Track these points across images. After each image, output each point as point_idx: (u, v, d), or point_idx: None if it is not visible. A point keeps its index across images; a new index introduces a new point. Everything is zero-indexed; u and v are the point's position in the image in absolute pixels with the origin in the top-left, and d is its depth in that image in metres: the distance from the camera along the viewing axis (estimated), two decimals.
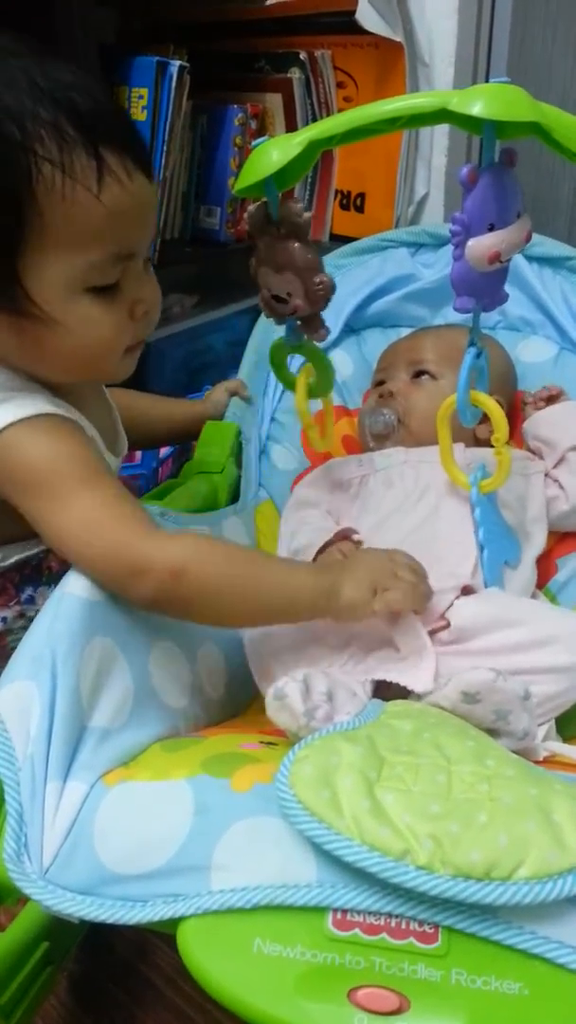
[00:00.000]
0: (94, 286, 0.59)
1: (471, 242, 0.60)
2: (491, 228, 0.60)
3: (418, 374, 0.91)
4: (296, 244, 0.69)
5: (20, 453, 0.59)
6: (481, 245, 0.60)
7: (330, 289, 0.73)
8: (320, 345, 1.01)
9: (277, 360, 0.85)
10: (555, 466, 0.88)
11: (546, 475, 0.88)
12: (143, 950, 0.75)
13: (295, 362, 0.90)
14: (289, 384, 0.88)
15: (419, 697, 0.63)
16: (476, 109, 0.56)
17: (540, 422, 0.90)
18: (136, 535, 0.58)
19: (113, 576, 0.57)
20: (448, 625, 0.68)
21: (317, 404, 0.91)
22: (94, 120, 0.55)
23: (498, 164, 0.60)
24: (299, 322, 0.79)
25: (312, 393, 0.86)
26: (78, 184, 0.55)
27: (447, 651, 0.66)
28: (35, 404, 0.60)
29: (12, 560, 0.69)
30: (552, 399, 0.93)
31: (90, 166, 0.55)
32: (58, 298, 0.58)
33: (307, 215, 0.67)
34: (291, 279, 0.72)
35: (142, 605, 0.59)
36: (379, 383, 0.95)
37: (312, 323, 0.76)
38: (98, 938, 0.76)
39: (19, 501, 0.60)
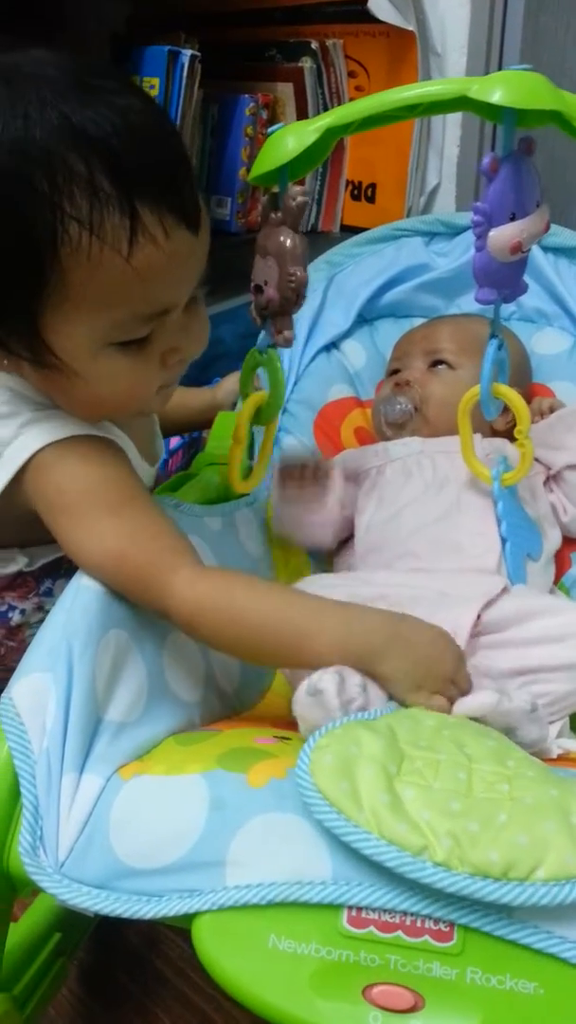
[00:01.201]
0: (120, 341, 0.55)
1: (493, 232, 0.59)
2: (512, 217, 0.59)
3: (435, 363, 0.90)
4: (287, 230, 0.66)
5: (52, 475, 0.59)
6: (503, 235, 0.59)
7: (301, 284, 0.67)
8: (331, 335, 1.01)
9: (246, 370, 0.76)
10: (554, 478, 0.87)
11: (545, 482, 0.88)
12: (154, 941, 0.75)
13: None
14: (247, 396, 0.78)
15: None
16: (496, 97, 0.55)
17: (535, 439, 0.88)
18: (160, 571, 0.57)
19: (146, 600, 0.57)
20: (479, 618, 0.67)
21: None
22: (134, 172, 0.50)
23: (518, 153, 0.60)
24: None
25: (264, 417, 0.76)
26: (106, 246, 0.50)
27: (471, 645, 0.66)
28: (66, 427, 0.59)
29: (39, 564, 0.69)
30: (552, 409, 0.91)
31: (122, 226, 0.50)
32: (81, 353, 0.55)
33: (300, 200, 0.64)
34: (271, 266, 0.67)
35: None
36: (394, 371, 0.94)
37: (279, 321, 0.70)
38: (109, 929, 0.76)
39: (49, 522, 0.60)
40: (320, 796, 0.43)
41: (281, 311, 0.69)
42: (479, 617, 0.67)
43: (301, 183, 0.69)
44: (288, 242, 0.65)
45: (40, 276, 0.51)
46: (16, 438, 0.59)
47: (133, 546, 0.57)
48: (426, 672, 0.57)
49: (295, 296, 0.67)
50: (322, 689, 0.53)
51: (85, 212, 0.50)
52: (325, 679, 0.53)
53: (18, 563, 0.68)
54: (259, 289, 0.69)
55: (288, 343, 0.70)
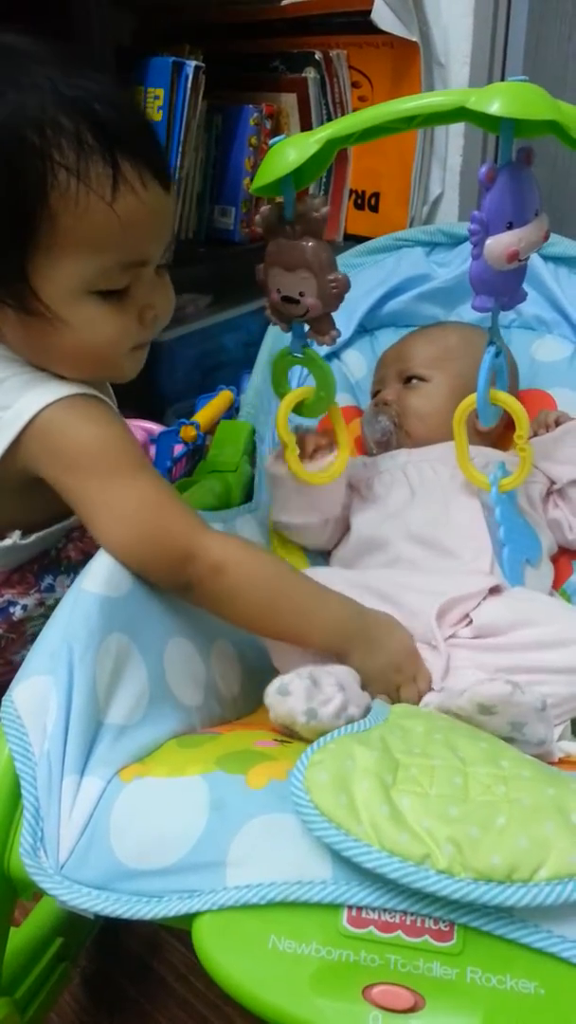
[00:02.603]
0: (101, 290, 0.59)
1: (490, 240, 0.60)
2: (509, 226, 0.60)
3: (409, 379, 0.91)
4: (311, 241, 0.69)
5: (67, 432, 0.60)
6: (500, 243, 0.60)
7: (345, 287, 0.72)
8: (334, 345, 1.01)
9: (278, 372, 0.80)
10: (559, 493, 0.88)
11: (548, 494, 0.88)
12: (155, 947, 0.75)
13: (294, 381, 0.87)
14: (283, 396, 0.80)
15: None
16: (494, 107, 0.56)
17: (540, 451, 0.89)
18: (188, 524, 0.61)
19: (156, 558, 0.59)
20: (470, 622, 0.68)
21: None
22: (114, 129, 0.56)
23: (516, 162, 0.60)
24: (308, 325, 0.76)
25: (310, 411, 0.80)
26: (92, 192, 0.55)
27: (466, 644, 0.66)
28: (65, 386, 0.61)
29: (33, 537, 0.69)
30: (558, 422, 0.91)
31: (106, 174, 0.55)
32: (65, 299, 0.58)
33: (324, 210, 0.66)
34: (304, 277, 0.71)
35: (177, 590, 0.61)
36: (376, 392, 0.96)
37: (323, 324, 0.75)
38: (111, 935, 0.76)
39: (66, 479, 0.61)
40: (317, 813, 0.43)
41: (323, 314, 0.73)
42: (470, 619, 0.67)
43: (304, 193, 0.71)
44: (323, 253, 0.69)
45: (30, 221, 0.55)
46: (15, 402, 0.60)
47: (164, 498, 0.61)
48: (397, 664, 0.65)
49: (338, 300, 0.71)
50: (291, 692, 0.54)
51: (72, 160, 0.55)
52: (295, 683, 0.54)
53: (12, 537, 0.69)
54: (292, 300, 0.71)
55: (335, 341, 0.75)
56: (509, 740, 0.56)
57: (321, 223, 0.68)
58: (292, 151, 0.63)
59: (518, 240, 0.60)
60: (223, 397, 1.19)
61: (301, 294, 0.72)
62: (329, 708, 0.54)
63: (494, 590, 0.72)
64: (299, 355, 0.77)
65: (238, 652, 0.70)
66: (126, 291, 0.60)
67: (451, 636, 0.69)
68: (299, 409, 0.79)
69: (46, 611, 0.63)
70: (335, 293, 0.71)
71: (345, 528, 0.88)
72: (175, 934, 0.75)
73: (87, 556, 0.59)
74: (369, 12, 1.18)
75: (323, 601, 0.65)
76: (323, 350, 1.01)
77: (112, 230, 0.57)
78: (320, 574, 0.70)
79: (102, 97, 0.56)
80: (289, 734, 0.56)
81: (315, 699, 0.54)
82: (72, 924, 0.66)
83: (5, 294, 0.58)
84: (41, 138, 0.54)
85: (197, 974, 0.72)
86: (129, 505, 0.60)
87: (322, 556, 0.91)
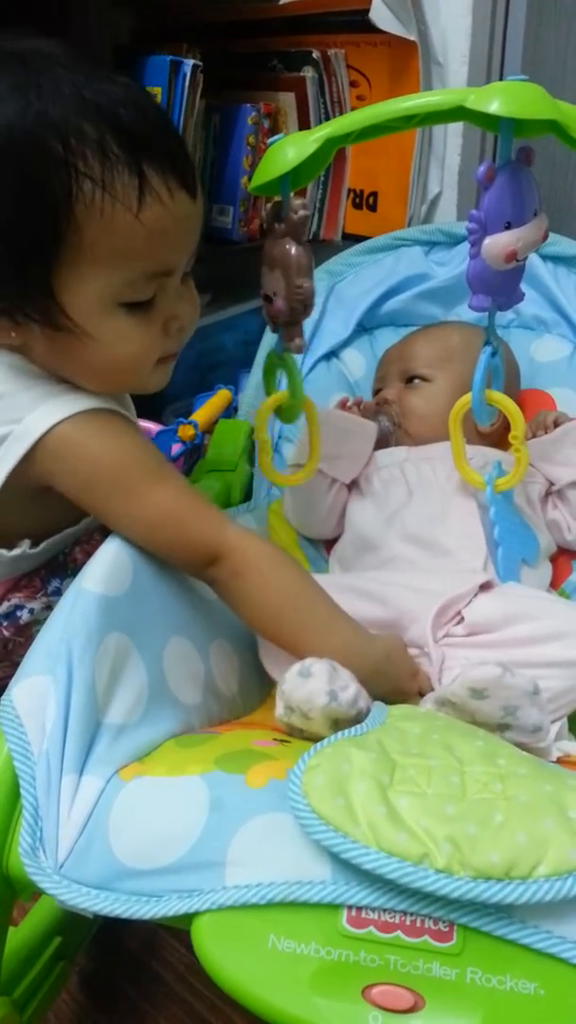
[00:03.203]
0: (128, 301, 0.58)
1: (488, 240, 0.60)
2: (508, 226, 0.60)
3: (411, 379, 0.91)
4: (292, 243, 0.68)
5: (81, 449, 0.60)
6: (498, 243, 0.60)
7: (309, 295, 0.70)
8: (330, 344, 1.02)
9: (267, 371, 0.80)
10: (558, 494, 0.88)
11: (547, 495, 0.88)
12: (154, 947, 0.75)
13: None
14: (271, 395, 0.81)
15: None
16: (493, 107, 0.56)
17: (539, 453, 0.89)
18: (211, 527, 0.62)
19: (182, 562, 0.62)
20: (462, 620, 0.68)
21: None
22: (139, 137, 0.55)
23: (515, 162, 0.60)
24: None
25: (287, 415, 0.81)
26: (118, 203, 0.54)
27: (459, 643, 0.66)
28: (82, 401, 0.61)
29: (42, 546, 0.70)
30: (556, 423, 0.91)
31: (131, 184, 0.55)
32: (91, 312, 0.58)
33: (302, 213, 0.66)
34: (279, 278, 0.70)
35: (211, 586, 0.64)
36: (377, 391, 0.96)
37: (290, 330, 0.73)
38: (109, 935, 0.76)
39: (85, 497, 0.61)
40: (315, 816, 0.43)
41: (291, 321, 0.72)
42: (462, 617, 0.67)
43: (302, 193, 0.71)
44: (292, 254, 0.68)
45: (56, 233, 0.54)
46: (28, 415, 0.60)
47: (183, 507, 0.61)
48: (395, 694, 0.64)
49: (302, 307, 0.70)
50: (313, 673, 0.54)
51: (97, 171, 0.54)
52: (318, 666, 0.55)
53: (21, 546, 0.69)
54: (269, 299, 0.71)
55: (299, 350, 0.74)
56: (504, 727, 0.56)
57: (299, 225, 0.67)
58: (291, 150, 0.63)
59: (516, 240, 0.60)
60: (221, 396, 1.19)
61: (274, 294, 0.71)
62: (347, 694, 0.54)
63: (485, 586, 0.72)
64: (279, 357, 0.77)
65: (237, 652, 0.70)
66: (151, 302, 0.60)
67: (444, 636, 0.69)
68: (279, 412, 0.79)
69: None
70: (299, 298, 0.70)
71: (343, 518, 0.89)
72: (174, 934, 0.75)
73: None
74: (367, 11, 1.18)
75: (331, 625, 0.64)
76: (320, 350, 1.01)
77: (138, 240, 0.56)
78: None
79: (127, 103, 0.55)
80: (289, 732, 0.56)
81: (336, 683, 0.54)
82: (71, 923, 0.66)
83: (31, 311, 0.57)
84: (65, 148, 0.53)
85: (196, 974, 0.72)
86: (149, 518, 0.60)
87: (316, 550, 0.91)
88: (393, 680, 0.64)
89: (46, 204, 0.53)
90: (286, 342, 0.73)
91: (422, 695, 0.66)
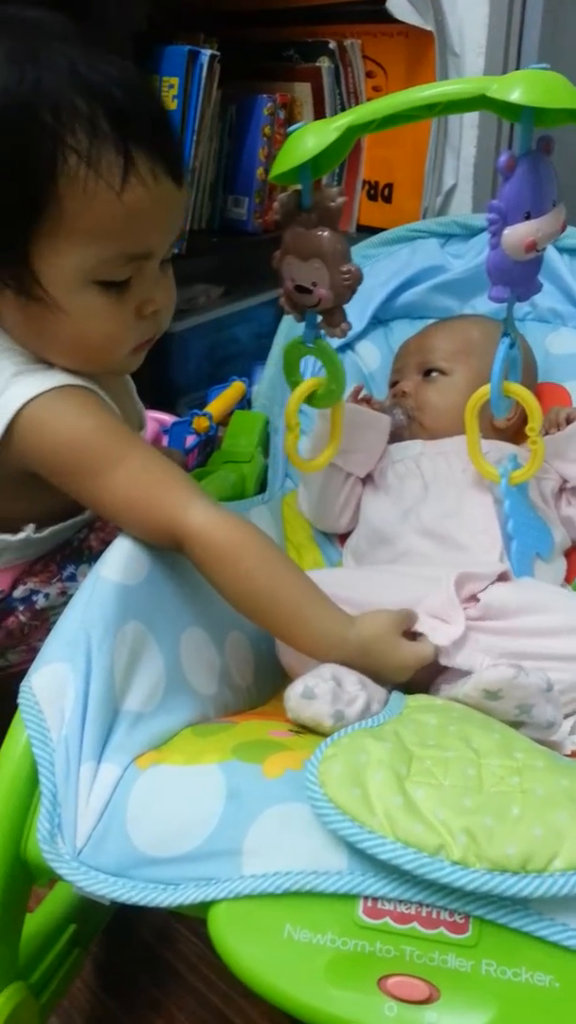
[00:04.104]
0: (103, 280, 0.58)
1: (508, 230, 0.60)
2: (527, 216, 0.60)
3: (429, 371, 0.91)
4: (326, 231, 0.68)
5: (46, 432, 0.60)
6: (517, 233, 0.60)
7: (357, 279, 0.71)
8: (347, 336, 1.01)
9: (290, 360, 0.79)
10: (572, 491, 0.88)
11: (561, 491, 0.88)
12: (166, 936, 0.75)
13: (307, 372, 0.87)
14: (295, 385, 0.80)
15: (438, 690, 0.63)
16: (515, 95, 0.56)
17: (552, 450, 0.88)
18: (174, 506, 0.58)
19: (159, 541, 0.59)
20: (477, 602, 0.68)
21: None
22: (130, 118, 0.55)
23: (535, 152, 0.60)
24: (320, 316, 0.75)
25: (320, 402, 0.79)
26: (101, 180, 0.54)
27: (473, 627, 0.66)
28: (52, 377, 0.61)
29: (48, 531, 0.70)
30: (569, 419, 0.91)
31: (117, 163, 0.55)
32: (65, 285, 0.58)
33: (340, 200, 0.66)
34: (318, 267, 0.70)
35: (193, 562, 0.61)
36: (394, 383, 0.96)
37: (334, 316, 0.74)
38: (122, 923, 0.76)
39: (58, 479, 0.61)
40: (332, 806, 0.43)
41: (335, 306, 0.72)
42: (477, 600, 0.67)
43: (318, 183, 0.70)
44: (338, 243, 0.68)
45: (37, 203, 0.54)
46: (1, 395, 0.60)
47: (142, 490, 0.59)
48: (393, 674, 0.62)
49: (350, 292, 0.71)
50: (316, 695, 0.54)
51: (84, 146, 0.54)
52: (321, 686, 0.54)
53: (26, 531, 0.69)
54: (305, 290, 0.71)
55: (345, 334, 0.74)
56: (518, 724, 0.56)
57: (337, 213, 0.67)
58: (311, 138, 0.62)
59: (536, 230, 0.60)
60: (235, 388, 1.19)
61: (314, 284, 0.71)
62: (354, 708, 0.54)
63: (502, 577, 0.72)
64: (311, 346, 0.77)
65: (252, 643, 0.70)
66: (127, 283, 0.60)
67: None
68: (310, 400, 0.79)
69: (67, 601, 0.63)
70: (347, 285, 0.70)
71: (357, 512, 0.89)
72: (186, 923, 0.75)
73: (108, 545, 0.59)
74: (384, 1, 1.18)
75: (301, 615, 0.60)
76: (335, 342, 1.01)
77: (118, 220, 0.56)
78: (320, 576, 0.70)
79: (122, 83, 0.55)
80: (304, 726, 0.56)
81: (340, 700, 0.54)
82: (85, 911, 0.67)
83: (6, 275, 0.58)
84: (55, 119, 0.53)
85: (208, 963, 0.72)
86: (112, 500, 0.59)
87: (330, 543, 0.91)
88: (375, 668, 0.60)
89: (29, 172, 0.54)
90: (330, 327, 0.74)
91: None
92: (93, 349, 0.62)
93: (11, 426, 0.59)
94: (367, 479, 0.90)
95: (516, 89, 0.56)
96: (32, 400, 0.59)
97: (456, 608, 0.65)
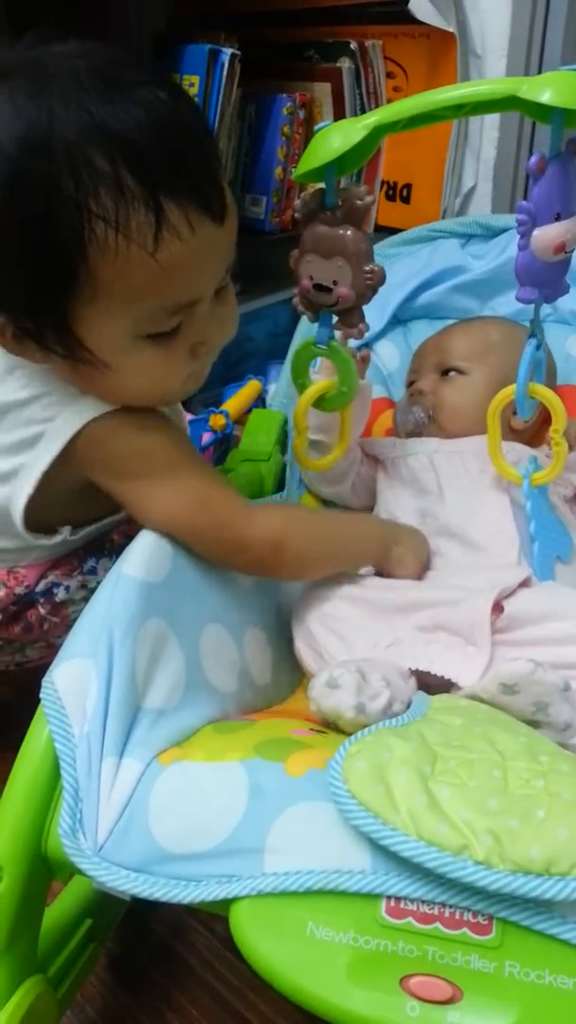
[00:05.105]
0: (150, 333, 0.57)
1: (537, 231, 0.59)
2: (557, 218, 0.59)
3: (447, 371, 0.91)
4: (350, 229, 0.68)
5: (112, 444, 0.61)
6: (547, 235, 0.59)
7: (380, 279, 0.70)
8: (366, 336, 1.01)
9: (301, 363, 0.77)
10: None
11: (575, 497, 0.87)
12: (180, 932, 0.76)
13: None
14: (304, 388, 0.77)
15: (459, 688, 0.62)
16: (546, 96, 0.55)
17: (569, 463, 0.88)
18: (238, 515, 0.63)
19: (217, 550, 0.63)
20: (501, 611, 0.67)
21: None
22: (157, 167, 0.51)
23: (565, 153, 0.60)
24: (336, 317, 0.73)
25: (331, 404, 0.77)
26: (133, 243, 0.51)
27: (498, 640, 0.66)
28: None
29: (82, 532, 0.71)
30: None
31: (147, 222, 0.51)
32: (112, 346, 0.56)
33: (368, 199, 0.65)
34: (340, 266, 0.69)
35: (239, 571, 0.67)
36: (411, 382, 0.95)
37: (352, 317, 0.72)
38: (136, 919, 0.76)
39: (115, 485, 0.63)
40: (355, 802, 0.43)
41: (355, 306, 0.71)
42: (501, 608, 0.67)
43: (338, 182, 0.70)
44: (362, 242, 0.68)
45: (70, 274, 0.52)
46: (60, 414, 0.60)
47: (208, 497, 0.63)
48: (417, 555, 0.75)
49: (372, 292, 0.70)
50: (340, 685, 0.54)
51: (111, 210, 0.50)
52: (346, 677, 0.54)
53: (62, 533, 0.70)
54: (325, 288, 0.70)
55: (363, 335, 0.74)
56: (535, 724, 0.56)
57: (363, 212, 0.66)
58: (338, 137, 0.62)
59: (566, 232, 0.60)
60: (251, 387, 1.19)
61: (334, 283, 0.70)
62: (377, 703, 0.54)
63: (524, 583, 0.71)
64: (323, 347, 0.76)
65: (270, 641, 0.70)
66: (176, 330, 0.57)
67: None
68: (319, 402, 0.78)
69: (87, 594, 0.64)
70: (370, 284, 0.69)
71: (365, 490, 0.90)
72: (199, 918, 0.75)
73: (130, 539, 0.60)
74: (405, 2, 1.18)
75: (359, 528, 0.76)
76: (353, 341, 1.00)
77: (155, 279, 0.53)
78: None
79: (146, 125, 0.50)
80: (326, 725, 0.56)
81: (364, 693, 0.54)
82: (101, 905, 0.67)
83: (51, 342, 0.56)
84: (77, 185, 0.50)
85: (221, 959, 0.72)
86: (173, 505, 0.61)
87: None
88: (413, 546, 0.74)
89: (57, 245, 0.51)
90: (347, 328, 0.73)
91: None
92: (149, 396, 0.62)
93: (72, 443, 0.60)
94: (379, 467, 0.89)
95: (547, 90, 0.56)
96: (93, 420, 0.60)
97: (484, 632, 0.65)
